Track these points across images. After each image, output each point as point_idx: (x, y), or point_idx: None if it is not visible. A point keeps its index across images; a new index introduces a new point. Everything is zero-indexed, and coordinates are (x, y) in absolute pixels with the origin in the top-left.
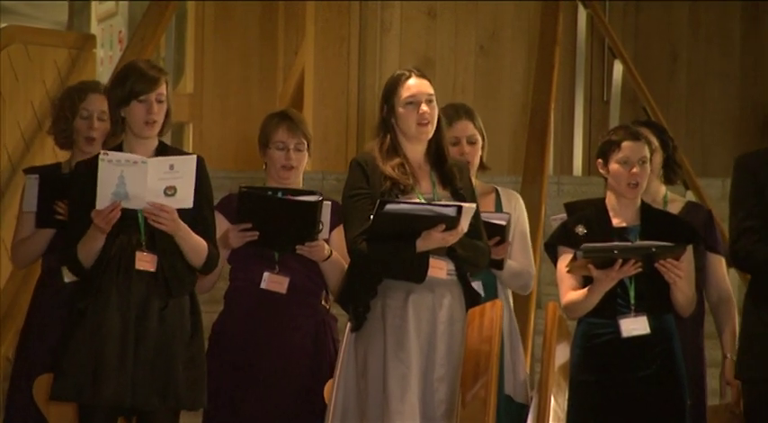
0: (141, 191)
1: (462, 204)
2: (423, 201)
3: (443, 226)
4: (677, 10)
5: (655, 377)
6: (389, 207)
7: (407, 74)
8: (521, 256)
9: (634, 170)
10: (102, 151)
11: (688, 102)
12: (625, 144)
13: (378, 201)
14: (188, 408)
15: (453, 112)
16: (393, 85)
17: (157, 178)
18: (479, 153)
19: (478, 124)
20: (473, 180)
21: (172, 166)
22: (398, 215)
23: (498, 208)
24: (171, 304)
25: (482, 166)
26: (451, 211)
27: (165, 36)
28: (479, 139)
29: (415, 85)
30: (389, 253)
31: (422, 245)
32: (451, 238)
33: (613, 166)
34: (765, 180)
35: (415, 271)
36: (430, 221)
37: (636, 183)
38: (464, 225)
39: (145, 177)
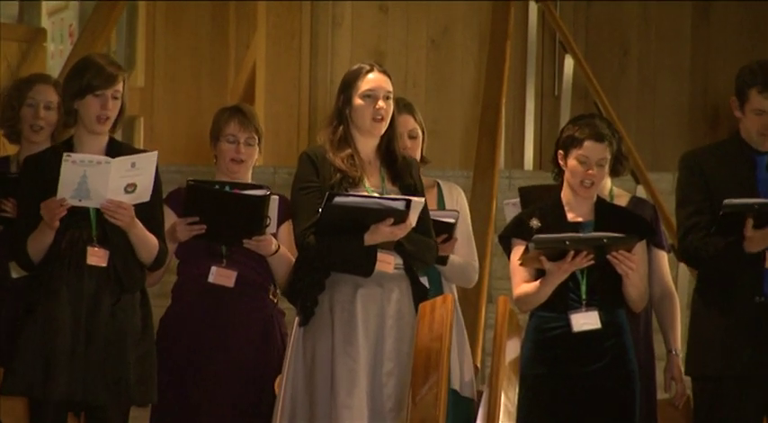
0: (103, 190)
1: (411, 198)
2: (371, 194)
3: (392, 220)
4: (628, 5)
5: (606, 371)
6: (338, 200)
7: (369, 67)
8: (463, 249)
9: (591, 171)
10: (65, 153)
11: (639, 96)
12: (587, 144)
13: (327, 193)
14: (138, 403)
15: (394, 107)
16: (353, 77)
17: (119, 176)
18: (420, 147)
19: (419, 119)
20: None
21: (133, 164)
22: (347, 208)
23: (440, 201)
24: (122, 299)
25: (422, 160)
26: (400, 205)
27: (116, 30)
28: (420, 133)
29: (375, 79)
30: (337, 246)
31: (370, 238)
32: (400, 233)
33: (572, 162)
34: (712, 176)
35: (363, 265)
36: (378, 215)
37: (591, 182)
38: (413, 219)
39: (107, 176)
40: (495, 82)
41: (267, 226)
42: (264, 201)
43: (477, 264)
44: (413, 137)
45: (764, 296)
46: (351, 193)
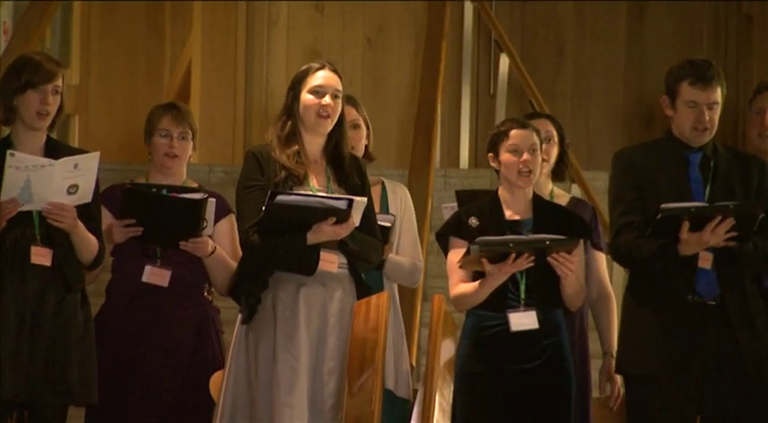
0: (46, 192)
1: (354, 198)
2: (317, 193)
3: (334, 219)
4: (563, 5)
5: (542, 370)
6: (280, 198)
7: (320, 65)
8: (409, 249)
9: (525, 157)
10: (9, 152)
11: (573, 96)
12: (513, 132)
13: (269, 191)
14: (79, 403)
15: None
16: (303, 74)
17: (62, 178)
18: (363, 140)
19: (362, 113)
20: None
21: (76, 165)
22: (289, 206)
23: (384, 200)
24: (65, 299)
25: (367, 156)
26: (342, 205)
27: (51, 27)
28: (363, 125)
29: (324, 76)
30: (280, 245)
31: (312, 237)
32: (342, 232)
33: (504, 155)
34: (645, 174)
35: (306, 263)
36: (321, 214)
37: (528, 170)
38: (355, 219)
39: (51, 179)
40: (431, 81)
41: (204, 229)
42: (202, 204)
43: (422, 264)
44: (355, 126)
45: (697, 295)
46: (293, 191)
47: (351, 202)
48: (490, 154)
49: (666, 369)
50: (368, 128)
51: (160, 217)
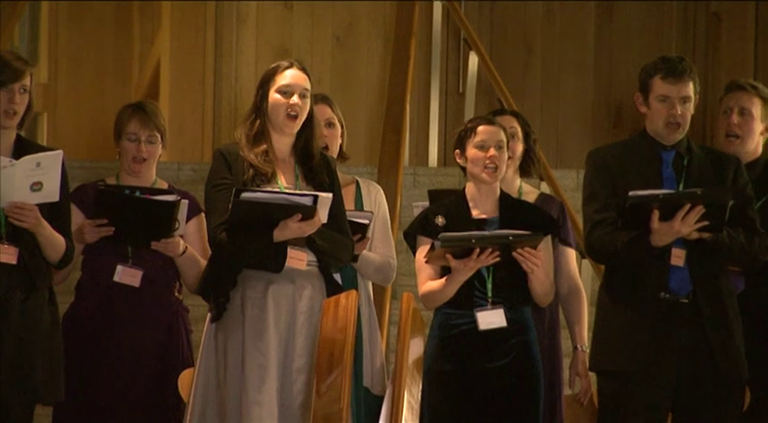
0: (9, 191)
1: (319, 194)
2: (284, 190)
3: (300, 215)
4: (532, 3)
5: (511, 368)
6: (245, 195)
7: (288, 64)
8: (382, 247)
9: (491, 153)
10: None
11: (543, 94)
12: (480, 128)
13: (234, 189)
14: (45, 402)
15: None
16: (272, 73)
17: (24, 176)
18: (338, 139)
19: (336, 111)
20: None
21: (38, 164)
22: (255, 204)
23: (358, 199)
24: (31, 297)
25: (342, 155)
26: (307, 201)
27: (19, 25)
28: (337, 124)
29: (292, 75)
30: (247, 242)
31: (279, 235)
32: (308, 229)
33: (470, 151)
34: (619, 173)
35: (273, 261)
36: (286, 211)
37: (494, 166)
38: (322, 215)
39: (13, 178)
40: (400, 79)
41: (176, 229)
42: (175, 206)
43: (395, 262)
44: (330, 125)
45: (670, 292)
46: (258, 189)
47: (316, 198)
48: (457, 150)
49: (638, 366)
50: (342, 127)
51: (133, 218)
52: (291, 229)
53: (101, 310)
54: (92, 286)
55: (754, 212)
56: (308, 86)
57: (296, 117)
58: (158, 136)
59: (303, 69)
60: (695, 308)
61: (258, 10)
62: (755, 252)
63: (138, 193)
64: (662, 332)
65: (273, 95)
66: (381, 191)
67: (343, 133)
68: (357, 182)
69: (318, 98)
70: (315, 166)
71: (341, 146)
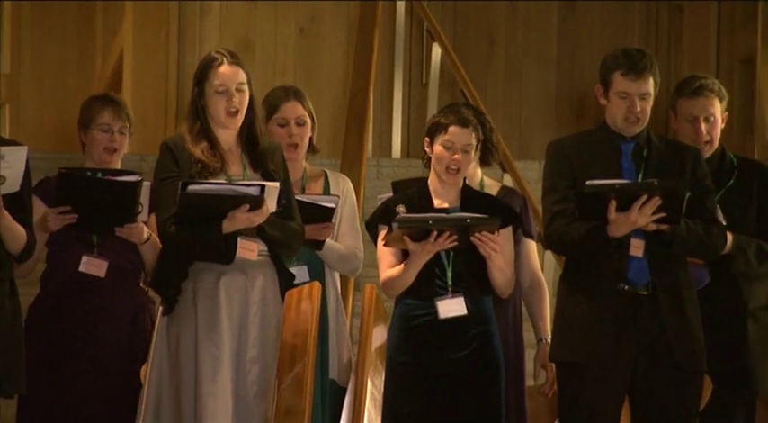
0: None
1: (265, 183)
2: (232, 181)
3: (248, 206)
4: None
5: (471, 358)
6: (192, 188)
7: (220, 60)
8: (349, 238)
9: (456, 156)
10: None
11: (506, 85)
12: (452, 129)
13: (180, 182)
14: (5, 394)
15: (282, 94)
16: (205, 70)
17: None
18: (308, 134)
19: (308, 106)
20: (303, 163)
21: (3, 157)
22: (202, 196)
23: (327, 191)
24: None
25: (312, 149)
26: (254, 191)
27: None
28: (308, 120)
29: (225, 73)
30: (197, 235)
31: (228, 226)
32: (257, 219)
33: (437, 148)
34: (579, 164)
35: (223, 252)
36: (234, 202)
37: (456, 169)
38: (270, 205)
39: None
40: (363, 70)
41: (139, 213)
42: (137, 186)
43: (362, 253)
44: (300, 124)
45: (629, 283)
46: (204, 181)
47: (263, 187)
48: (426, 139)
49: (597, 356)
50: (313, 121)
51: (95, 202)
52: (240, 219)
53: (66, 302)
54: (57, 277)
55: (713, 204)
56: (244, 79)
57: (236, 113)
58: (128, 126)
59: (235, 62)
60: (653, 298)
61: (222, 1)
62: (713, 244)
63: (99, 175)
64: (620, 323)
65: (211, 95)
66: (350, 183)
67: (314, 127)
68: (326, 174)
69: (290, 93)
70: (260, 152)
71: (311, 139)
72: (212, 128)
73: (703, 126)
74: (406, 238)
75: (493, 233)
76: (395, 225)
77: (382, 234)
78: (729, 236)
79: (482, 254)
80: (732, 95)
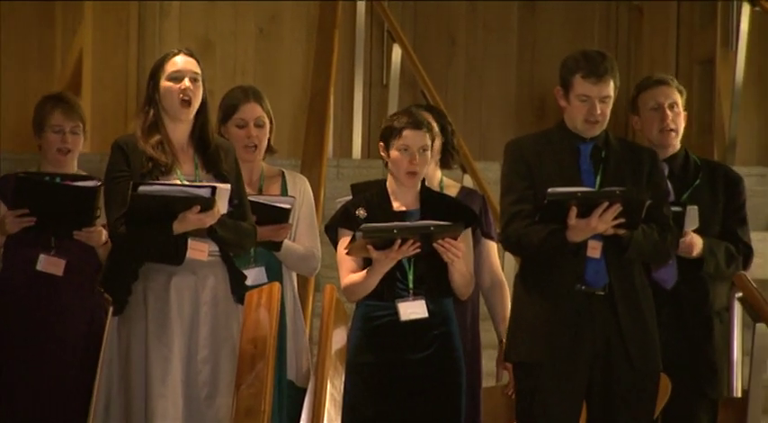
0: None
1: (217, 185)
2: (183, 182)
3: (198, 207)
4: None
5: (432, 359)
6: (142, 189)
7: (176, 51)
8: (306, 238)
9: (413, 160)
10: None
11: (466, 86)
12: (406, 132)
13: (131, 183)
14: None
15: (241, 95)
16: (161, 61)
17: None
18: (267, 136)
19: (266, 107)
20: (261, 163)
21: None
22: (153, 197)
23: (284, 191)
24: None
25: (270, 150)
26: (206, 193)
27: None
28: (267, 121)
29: (181, 61)
30: (147, 236)
31: (178, 227)
32: (208, 220)
33: (394, 153)
34: (536, 164)
35: (173, 253)
36: (185, 203)
37: (414, 171)
38: (221, 206)
39: None
40: (324, 71)
41: (98, 217)
42: (96, 191)
43: (319, 253)
44: (259, 125)
45: (586, 284)
46: (155, 181)
47: (214, 189)
48: (381, 144)
49: (553, 357)
50: (271, 122)
51: (53, 206)
52: (190, 220)
53: (23, 300)
54: (14, 276)
55: (668, 208)
56: (199, 71)
57: (189, 102)
58: (81, 126)
59: (192, 55)
60: (610, 299)
61: (181, 1)
62: (667, 249)
63: (58, 180)
64: (577, 324)
65: (164, 83)
66: (307, 182)
67: (271, 128)
68: (283, 174)
69: (249, 94)
70: (212, 153)
71: (269, 140)
72: (164, 121)
73: (669, 114)
74: (369, 246)
75: (456, 239)
76: (359, 234)
77: (343, 239)
78: (699, 239)
79: (445, 260)
80: (691, 97)
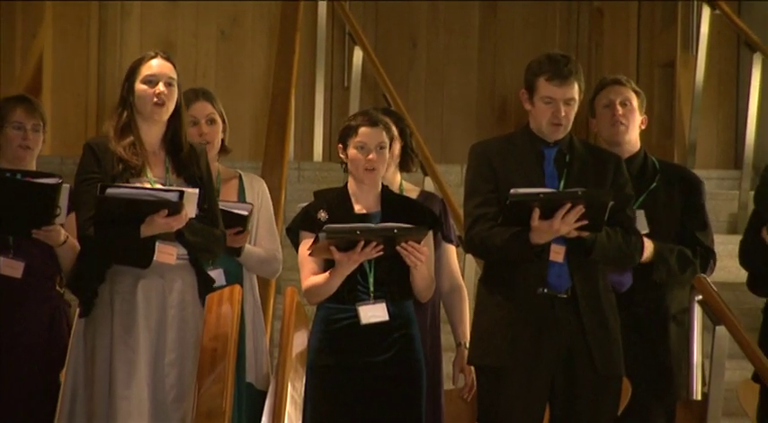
0: None
1: (184, 189)
2: (153, 185)
3: (166, 211)
4: None
5: (393, 362)
6: (110, 191)
7: (153, 55)
8: (267, 241)
9: (371, 156)
10: None
11: (427, 88)
12: (362, 130)
13: (98, 185)
14: None
15: (192, 95)
16: (137, 64)
17: None
18: (220, 134)
19: (218, 107)
20: (215, 164)
21: None
22: (121, 200)
23: (241, 193)
24: None
25: (223, 149)
26: (174, 196)
27: None
28: (219, 120)
29: (157, 65)
30: (114, 238)
31: (146, 230)
32: (176, 224)
33: (351, 151)
34: (501, 167)
35: (141, 256)
36: (153, 206)
37: (372, 168)
38: (189, 210)
39: None
40: (285, 73)
41: (57, 216)
42: (56, 189)
43: (281, 255)
44: (211, 121)
45: (549, 287)
46: (123, 184)
47: (182, 193)
48: (339, 145)
49: (515, 360)
50: (224, 122)
51: (13, 203)
52: (158, 224)
53: None
54: None
55: (632, 211)
56: (174, 75)
57: (163, 104)
58: (42, 124)
59: (168, 59)
60: (573, 303)
61: (143, 3)
62: (631, 252)
63: (18, 176)
64: (540, 327)
65: (139, 86)
66: (264, 184)
67: (225, 128)
68: (240, 176)
69: (199, 93)
70: (184, 157)
71: (222, 140)
72: (137, 123)
73: (620, 109)
74: (332, 248)
75: (419, 242)
76: (322, 235)
77: (305, 241)
78: (650, 244)
79: (408, 263)
80: (652, 100)
